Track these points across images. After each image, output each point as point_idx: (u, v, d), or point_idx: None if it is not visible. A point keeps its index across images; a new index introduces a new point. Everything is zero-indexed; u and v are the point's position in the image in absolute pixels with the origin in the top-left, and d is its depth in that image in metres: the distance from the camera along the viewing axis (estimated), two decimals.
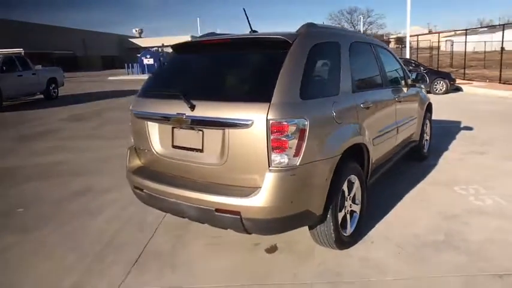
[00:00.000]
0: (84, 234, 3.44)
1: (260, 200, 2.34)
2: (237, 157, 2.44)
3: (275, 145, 2.32)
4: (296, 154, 2.36)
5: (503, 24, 16.99)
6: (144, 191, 2.87)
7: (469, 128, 7.07)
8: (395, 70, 4.35)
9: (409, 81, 4.50)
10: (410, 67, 13.98)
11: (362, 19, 57.72)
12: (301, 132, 2.36)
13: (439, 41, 23.15)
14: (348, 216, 2.97)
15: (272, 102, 2.33)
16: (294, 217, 2.45)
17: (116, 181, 4.84)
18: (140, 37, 67.61)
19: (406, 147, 4.40)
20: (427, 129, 5.26)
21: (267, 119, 2.30)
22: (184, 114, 2.58)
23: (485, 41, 28.84)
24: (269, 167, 2.36)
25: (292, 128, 2.33)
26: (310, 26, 2.89)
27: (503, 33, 15.77)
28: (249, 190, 2.41)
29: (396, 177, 4.48)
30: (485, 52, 25.81)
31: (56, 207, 4.09)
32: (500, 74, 15.24)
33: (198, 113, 2.53)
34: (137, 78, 29.95)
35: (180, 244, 3.19)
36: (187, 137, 2.68)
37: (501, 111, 9.24)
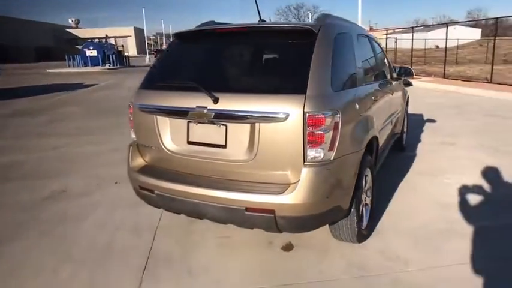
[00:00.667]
0: (73, 243, 3.10)
1: (297, 196, 2.23)
2: (267, 152, 2.30)
3: (311, 139, 2.22)
4: (331, 148, 2.28)
5: (447, 23, 18.24)
6: (156, 192, 2.61)
7: (432, 121, 7.46)
8: (385, 63, 4.43)
9: (395, 75, 4.61)
10: None
11: (310, 15, 58.98)
12: (335, 125, 2.28)
13: (387, 38, 24.36)
14: (363, 209, 2.95)
15: (307, 94, 2.22)
16: (328, 213, 2.37)
17: (91, 182, 4.45)
18: (77, 27, 63.57)
19: (393, 139, 4.51)
20: (406, 121, 5.46)
21: (303, 112, 2.19)
22: (206, 107, 2.38)
23: (425, 39, 30.76)
24: (304, 162, 2.25)
25: (328, 121, 2.24)
26: (327, 16, 2.81)
27: (446, 31, 16.90)
28: (281, 187, 2.29)
29: (384, 169, 4.58)
30: (425, 49, 27.60)
31: (29, 215, 3.64)
32: (445, 70, 16.41)
33: (222, 106, 2.35)
34: (80, 71, 28.14)
35: (188, 247, 2.98)
36: (206, 132, 2.48)
37: (454, 104, 9.88)
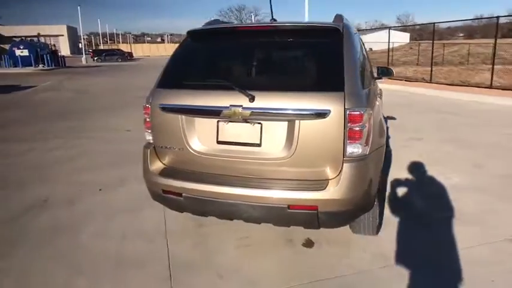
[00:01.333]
0: (79, 254, 2.87)
1: (339, 191, 2.27)
2: (307, 149, 2.32)
3: (351, 135, 2.27)
4: (366, 143, 2.35)
5: (389, 27, 19.46)
6: (184, 194, 2.50)
7: (393, 118, 7.93)
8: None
9: (375, 75, 4.84)
10: None
11: (254, 17, 59.62)
12: (369, 121, 2.36)
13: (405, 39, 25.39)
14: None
15: (346, 91, 2.28)
16: (363, 206, 2.45)
17: (72, 190, 4.14)
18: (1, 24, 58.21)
19: None
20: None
21: (344, 109, 2.24)
22: (241, 105, 2.34)
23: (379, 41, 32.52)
24: (343, 157, 2.30)
25: (365, 117, 2.31)
26: (342, 16, 2.89)
27: (389, 35, 18.00)
28: (321, 183, 2.32)
29: None
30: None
31: (15, 228, 3.30)
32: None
33: (259, 105, 2.32)
34: (11, 72, 25.77)
35: (208, 251, 2.89)
36: (239, 131, 2.44)
37: (406, 102, 10.59)
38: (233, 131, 2.45)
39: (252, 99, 2.32)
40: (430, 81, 14.70)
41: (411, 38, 57.74)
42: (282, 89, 2.38)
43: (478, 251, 2.81)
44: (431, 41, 16.52)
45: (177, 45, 2.90)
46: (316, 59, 2.60)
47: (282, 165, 2.39)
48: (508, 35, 45.43)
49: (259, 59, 2.81)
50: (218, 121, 2.47)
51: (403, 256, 2.75)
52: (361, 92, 2.38)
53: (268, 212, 2.37)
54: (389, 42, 17.62)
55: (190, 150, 2.55)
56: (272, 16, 3.12)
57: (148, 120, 2.71)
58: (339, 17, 2.83)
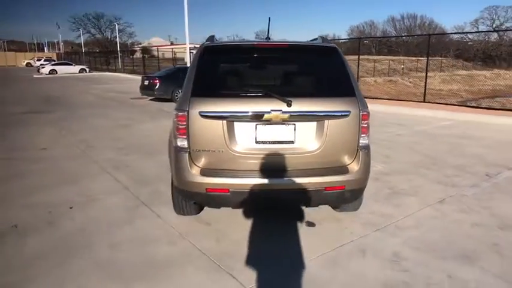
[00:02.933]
0: (104, 267, 2.86)
1: (358, 173, 2.98)
2: (332, 142, 2.95)
3: (363, 130, 3.01)
4: (368, 136, 3.12)
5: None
6: (231, 190, 2.84)
7: None
8: None
9: None
10: None
11: (117, 26, 56.57)
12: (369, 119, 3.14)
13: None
14: None
15: (357, 97, 3.01)
16: (366, 184, 3.19)
17: (39, 212, 3.87)
18: None
19: None
20: None
21: (359, 110, 2.96)
22: (281, 110, 2.84)
23: None
24: (358, 147, 3.02)
25: (369, 116, 3.07)
26: (326, 38, 3.62)
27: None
28: (345, 168, 2.99)
29: None
30: None
31: (12, 251, 3.02)
32: None
33: (295, 108, 2.86)
34: None
35: (235, 242, 3.23)
36: (275, 131, 2.92)
37: None
38: (269, 132, 2.92)
39: (289, 104, 2.84)
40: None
41: None
42: (309, 95, 2.96)
43: (423, 212, 3.86)
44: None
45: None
46: (330, 71, 3.23)
47: (312, 157, 2.96)
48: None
49: (281, 71, 3.31)
50: (256, 124, 2.90)
51: (382, 219, 3.61)
52: (363, 97, 3.14)
53: (307, 195, 2.91)
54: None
55: (230, 151, 2.91)
56: (268, 35, 3.66)
57: (182, 127, 2.93)
58: (325, 38, 3.55)
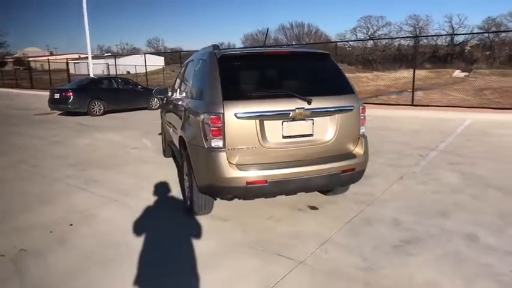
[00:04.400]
0: (158, 268, 2.99)
1: (363, 156, 3.60)
2: (342, 133, 3.51)
3: (362, 121, 3.64)
4: (364, 125, 3.75)
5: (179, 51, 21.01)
6: (269, 181, 3.20)
7: None
8: None
9: None
10: (130, 86, 15.15)
11: None
12: None
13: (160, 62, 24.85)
14: None
15: (355, 93, 3.63)
16: None
17: (43, 233, 3.69)
18: None
19: None
20: None
21: (359, 104, 3.59)
22: (303, 108, 3.30)
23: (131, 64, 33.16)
24: (359, 135, 3.64)
25: (365, 109, 3.72)
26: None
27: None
28: (352, 153, 3.59)
29: None
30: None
31: (41, 272, 2.91)
32: None
33: (313, 106, 3.34)
34: None
35: (258, 229, 3.57)
36: (298, 127, 3.36)
37: None
38: (293, 127, 3.36)
39: (309, 102, 3.32)
40: None
41: (165, 62, 62.22)
42: (321, 94, 3.46)
43: (393, 188, 4.69)
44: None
45: None
46: (330, 73, 3.77)
47: (326, 147, 3.48)
48: None
49: (291, 75, 3.73)
50: (283, 121, 3.31)
51: (366, 197, 4.30)
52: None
53: (330, 178, 3.42)
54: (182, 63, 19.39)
55: (262, 146, 3.26)
56: (265, 44, 4.05)
57: (216, 129, 3.18)
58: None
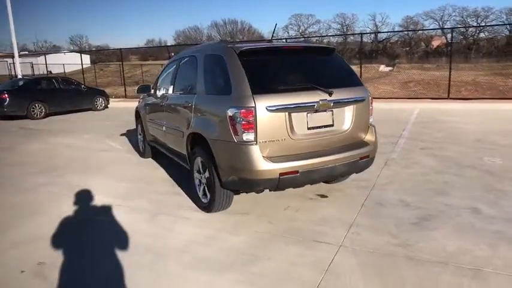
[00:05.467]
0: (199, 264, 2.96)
1: (375, 144, 3.86)
2: (357, 122, 3.73)
3: (371, 111, 3.89)
4: (372, 115, 4.01)
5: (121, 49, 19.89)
6: (300, 171, 3.30)
7: None
8: None
9: None
10: (73, 86, 14.14)
11: None
12: None
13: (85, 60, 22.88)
14: None
15: (363, 85, 3.87)
16: None
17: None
18: None
19: None
20: None
21: (368, 95, 3.83)
22: (326, 99, 3.45)
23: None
24: (369, 124, 3.89)
25: (372, 100, 3.98)
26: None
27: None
28: (365, 141, 3.83)
29: None
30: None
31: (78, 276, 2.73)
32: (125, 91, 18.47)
33: (334, 98, 3.51)
34: None
35: (280, 220, 3.67)
36: (320, 118, 3.50)
37: None
38: (316, 119, 3.49)
39: (330, 94, 3.47)
40: None
41: (91, 60, 58.48)
42: (339, 86, 3.63)
43: (384, 173, 5.05)
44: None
45: None
46: (339, 65, 3.96)
47: (344, 135, 3.68)
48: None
49: (307, 68, 3.83)
50: (307, 113, 3.43)
51: (365, 183, 4.60)
52: None
53: (351, 165, 3.62)
54: (113, 63, 18.50)
55: (290, 137, 3.35)
56: (272, 38, 4.10)
57: (247, 122, 3.20)
58: (315, 42, 4.26)
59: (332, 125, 3.60)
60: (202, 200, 3.95)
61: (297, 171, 3.32)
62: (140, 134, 6.52)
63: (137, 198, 4.43)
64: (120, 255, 3.13)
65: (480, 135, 7.09)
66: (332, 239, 3.25)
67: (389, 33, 54.24)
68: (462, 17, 51.60)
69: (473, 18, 50.21)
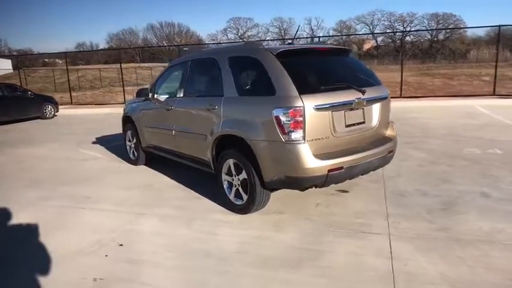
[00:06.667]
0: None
1: (396, 139, 4.15)
2: (382, 119, 3.98)
3: (390, 108, 4.18)
4: None
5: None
6: (344, 167, 3.46)
7: None
8: None
9: None
10: (18, 92, 13.00)
11: None
12: None
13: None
14: None
15: (382, 84, 4.16)
16: None
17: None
18: None
19: None
20: None
21: (388, 93, 4.11)
22: (360, 98, 3.66)
23: None
24: (389, 120, 4.18)
25: None
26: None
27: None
28: (387, 137, 4.10)
29: None
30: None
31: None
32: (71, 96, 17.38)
33: (366, 96, 3.72)
34: None
35: (324, 214, 3.81)
36: (353, 116, 3.69)
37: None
38: (352, 116, 3.68)
39: (363, 93, 3.69)
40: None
41: (13, 65, 53.72)
42: (368, 85, 3.85)
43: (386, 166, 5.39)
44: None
45: None
46: (361, 66, 4.20)
47: (375, 131, 3.92)
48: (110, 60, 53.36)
49: (340, 67, 3.99)
50: (344, 111, 3.60)
51: (375, 177, 4.90)
52: None
53: (381, 160, 3.86)
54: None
55: (332, 135, 3.51)
56: (293, 39, 4.20)
57: (296, 121, 3.29)
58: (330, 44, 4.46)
59: (364, 122, 3.82)
60: (235, 202, 3.94)
61: (342, 167, 3.47)
62: (130, 141, 6.25)
63: (159, 206, 4.28)
64: (185, 262, 3.04)
65: (447, 129, 7.85)
66: (378, 229, 3.45)
67: (324, 37, 57.00)
68: (390, 22, 55.96)
69: (400, 23, 54.74)
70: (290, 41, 5.01)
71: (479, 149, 6.09)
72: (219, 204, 4.19)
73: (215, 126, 4.03)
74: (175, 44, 66.74)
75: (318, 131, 3.41)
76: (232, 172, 3.92)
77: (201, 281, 2.78)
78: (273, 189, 3.75)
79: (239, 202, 3.90)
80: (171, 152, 5.14)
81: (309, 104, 3.32)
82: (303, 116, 3.30)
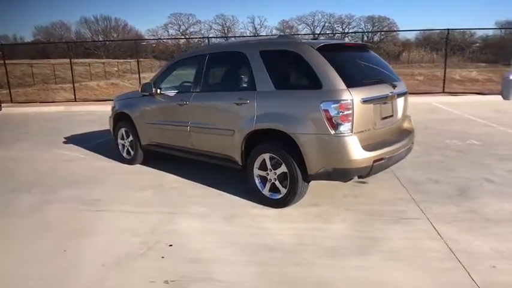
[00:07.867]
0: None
1: (414, 132, 4.44)
2: (404, 112, 4.25)
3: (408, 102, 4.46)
4: None
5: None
6: (385, 157, 3.64)
7: None
8: None
9: None
10: None
11: None
12: None
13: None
14: None
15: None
16: None
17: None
18: None
19: None
20: None
21: (406, 88, 4.38)
22: (392, 91, 3.87)
23: None
24: (407, 114, 4.46)
25: None
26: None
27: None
28: (407, 129, 4.38)
29: None
30: None
31: None
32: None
33: (397, 90, 3.96)
34: None
35: (366, 203, 3.97)
36: (387, 108, 3.90)
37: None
38: (385, 109, 3.88)
39: (394, 87, 3.91)
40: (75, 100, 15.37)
41: None
42: (393, 80, 4.07)
43: None
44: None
45: None
46: (382, 61, 4.38)
47: (398, 124, 4.16)
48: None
49: (370, 62, 4.13)
50: (380, 104, 3.78)
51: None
52: None
53: (408, 150, 4.12)
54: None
55: (373, 127, 3.68)
56: (320, 34, 4.27)
57: (345, 114, 3.40)
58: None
59: (392, 115, 4.04)
60: (270, 197, 3.95)
61: (383, 158, 3.65)
62: (123, 139, 5.90)
63: (185, 205, 4.14)
64: (253, 257, 3.00)
65: (421, 123, 8.43)
66: (415, 214, 3.69)
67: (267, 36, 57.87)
68: (330, 23, 58.40)
69: (339, 24, 57.37)
70: (314, 37, 5.10)
71: (459, 140, 6.68)
72: (246, 199, 4.16)
73: (246, 120, 3.98)
74: (112, 39, 63.72)
75: (363, 123, 3.55)
76: (268, 166, 3.92)
77: (281, 273, 2.77)
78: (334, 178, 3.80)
79: (276, 196, 3.91)
80: (181, 149, 4.97)
81: (356, 97, 3.44)
82: (352, 108, 3.42)
